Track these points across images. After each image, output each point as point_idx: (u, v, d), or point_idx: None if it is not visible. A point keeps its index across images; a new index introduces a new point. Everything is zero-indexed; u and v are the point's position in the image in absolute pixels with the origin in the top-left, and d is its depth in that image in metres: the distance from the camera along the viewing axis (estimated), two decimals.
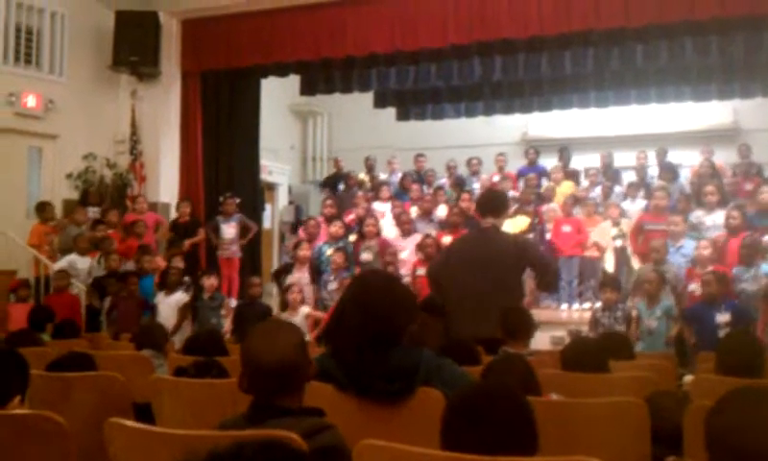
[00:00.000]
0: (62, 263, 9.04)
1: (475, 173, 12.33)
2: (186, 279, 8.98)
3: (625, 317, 6.82)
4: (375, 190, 12.02)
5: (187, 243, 10.02)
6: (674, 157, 11.90)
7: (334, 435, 2.17)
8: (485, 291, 5.37)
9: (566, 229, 9.97)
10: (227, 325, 8.31)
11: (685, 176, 11.22)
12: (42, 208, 9.64)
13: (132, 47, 10.67)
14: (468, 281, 5.51)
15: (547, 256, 6.87)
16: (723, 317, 6.45)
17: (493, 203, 5.88)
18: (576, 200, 10.44)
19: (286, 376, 2.25)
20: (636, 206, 10.23)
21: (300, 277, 8.80)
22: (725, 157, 11.78)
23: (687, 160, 12.09)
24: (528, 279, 6.51)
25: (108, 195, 10.87)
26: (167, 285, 8.32)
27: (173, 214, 10.75)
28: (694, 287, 7.12)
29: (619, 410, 2.86)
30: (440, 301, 5.26)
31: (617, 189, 11.15)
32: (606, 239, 9.75)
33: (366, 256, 9.22)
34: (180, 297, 8.31)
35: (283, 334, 2.33)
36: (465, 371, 2.88)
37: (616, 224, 9.70)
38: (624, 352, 4.61)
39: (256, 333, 2.36)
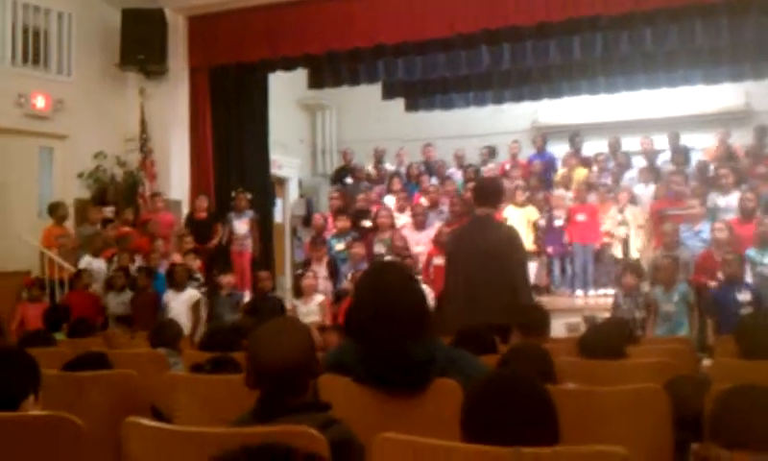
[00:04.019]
0: (82, 265, 9.10)
1: (486, 162, 12.27)
2: (198, 275, 8.98)
3: (645, 302, 6.78)
4: (388, 183, 11.96)
5: (213, 244, 10.12)
6: (686, 140, 11.79)
7: (344, 429, 2.16)
8: (481, 278, 5.39)
9: (581, 217, 9.90)
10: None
11: (697, 159, 11.11)
12: (55, 209, 9.68)
13: (139, 45, 10.67)
14: (465, 270, 5.55)
15: (527, 280, 6.02)
16: (744, 296, 6.41)
17: (487, 192, 5.86)
18: (589, 186, 10.37)
19: (291, 377, 2.22)
20: (648, 191, 10.16)
21: (318, 270, 8.75)
22: (737, 140, 11.64)
23: (699, 144, 11.98)
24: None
25: (121, 194, 10.89)
26: (175, 283, 8.31)
27: (185, 211, 10.76)
28: (714, 285, 6.99)
29: (639, 397, 2.82)
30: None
31: (629, 174, 11.05)
32: (614, 226, 9.72)
33: (379, 249, 9.16)
34: (192, 294, 8.30)
35: (288, 336, 2.29)
36: (480, 360, 2.86)
37: (621, 211, 9.64)
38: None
39: (262, 334, 2.31)
